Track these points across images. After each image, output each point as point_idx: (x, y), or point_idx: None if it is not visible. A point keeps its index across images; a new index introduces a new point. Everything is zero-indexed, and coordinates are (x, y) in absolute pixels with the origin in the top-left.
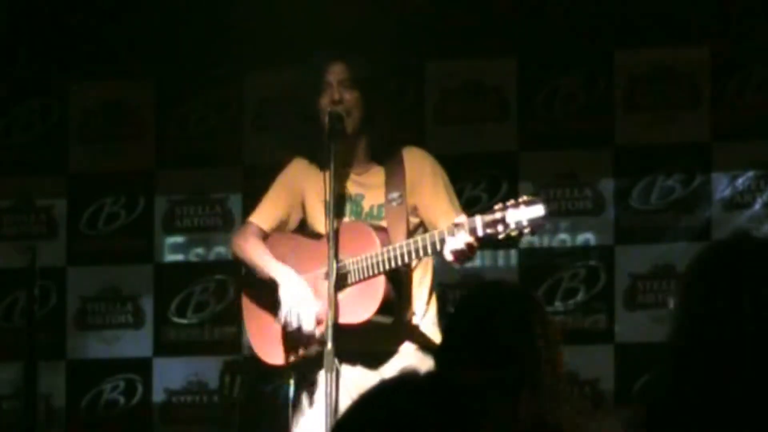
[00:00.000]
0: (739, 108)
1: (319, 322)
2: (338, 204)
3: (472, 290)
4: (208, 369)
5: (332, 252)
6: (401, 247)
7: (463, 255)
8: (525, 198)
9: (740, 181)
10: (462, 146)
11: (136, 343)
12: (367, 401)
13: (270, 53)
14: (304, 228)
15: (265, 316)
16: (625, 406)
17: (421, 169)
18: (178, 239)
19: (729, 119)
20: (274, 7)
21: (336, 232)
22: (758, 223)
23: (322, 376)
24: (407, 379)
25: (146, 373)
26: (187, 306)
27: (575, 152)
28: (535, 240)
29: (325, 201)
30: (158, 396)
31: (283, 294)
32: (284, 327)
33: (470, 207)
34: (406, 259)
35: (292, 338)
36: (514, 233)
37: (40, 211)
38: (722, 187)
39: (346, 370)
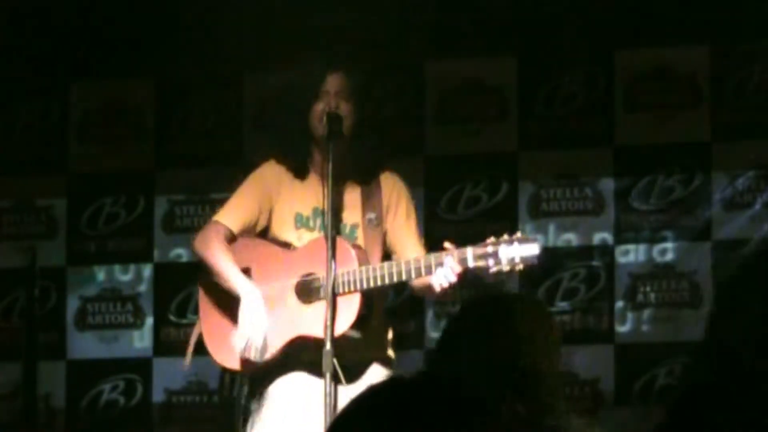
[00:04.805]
0: (739, 108)
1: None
2: (313, 217)
3: (478, 297)
4: (208, 369)
5: (330, 253)
6: (383, 268)
7: (448, 286)
8: (519, 235)
9: (740, 181)
10: (462, 146)
11: (136, 343)
12: (364, 400)
13: (270, 53)
14: (266, 236)
15: (222, 317)
16: (625, 406)
17: (398, 197)
18: (178, 239)
19: (729, 119)
20: (274, 7)
21: (328, 242)
22: (758, 223)
23: (276, 387)
24: (401, 379)
25: (146, 373)
26: (187, 306)
27: (575, 152)
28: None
29: (323, 208)
30: (158, 396)
31: (242, 317)
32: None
33: (470, 207)
34: (391, 280)
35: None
36: (505, 269)
37: (40, 211)
38: (722, 187)
39: (312, 381)
